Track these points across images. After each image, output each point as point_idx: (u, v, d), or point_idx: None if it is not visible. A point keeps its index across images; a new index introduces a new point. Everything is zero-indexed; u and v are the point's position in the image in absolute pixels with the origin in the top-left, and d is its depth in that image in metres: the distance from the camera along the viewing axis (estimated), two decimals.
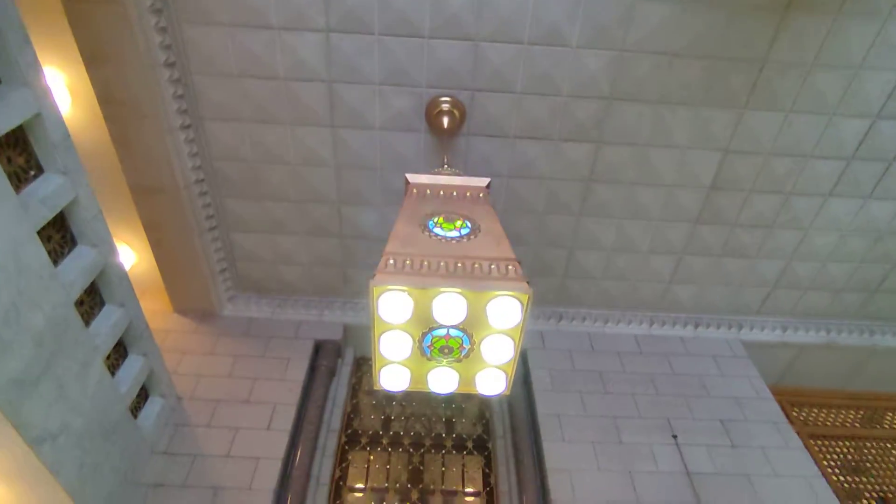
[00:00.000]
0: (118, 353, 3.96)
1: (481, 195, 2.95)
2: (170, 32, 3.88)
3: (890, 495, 5.05)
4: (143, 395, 4.29)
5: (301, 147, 4.58)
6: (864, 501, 4.98)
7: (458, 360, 2.33)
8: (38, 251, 2.89)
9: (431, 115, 4.23)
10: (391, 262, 2.21)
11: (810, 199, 4.95)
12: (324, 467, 4.55)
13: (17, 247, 2.71)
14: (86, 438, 3.40)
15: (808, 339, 5.84)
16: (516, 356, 2.34)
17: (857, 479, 5.20)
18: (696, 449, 4.56)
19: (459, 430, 5.23)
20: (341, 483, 4.65)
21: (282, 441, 4.38)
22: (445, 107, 4.16)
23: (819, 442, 5.61)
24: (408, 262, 2.21)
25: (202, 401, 4.65)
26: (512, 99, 4.27)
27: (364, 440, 5.03)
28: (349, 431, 5.09)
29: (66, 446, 3.22)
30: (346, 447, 4.94)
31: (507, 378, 2.42)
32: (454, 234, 2.44)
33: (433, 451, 4.96)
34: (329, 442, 4.74)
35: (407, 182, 3.10)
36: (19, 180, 2.90)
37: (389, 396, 5.47)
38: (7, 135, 2.78)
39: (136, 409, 4.18)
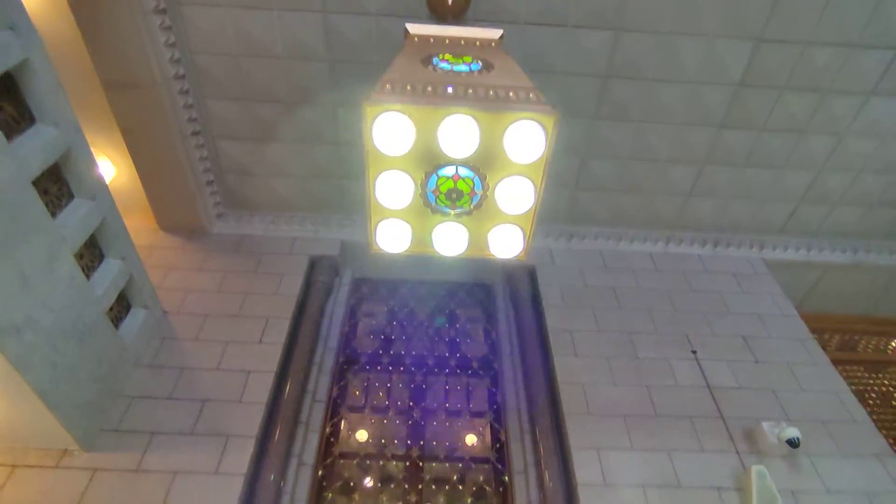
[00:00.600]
0: (93, 255, 3.62)
1: (493, 44, 2.53)
2: None
3: None
4: (124, 306, 3.98)
5: (290, 37, 4.12)
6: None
7: (468, 212, 1.97)
8: None
9: None
10: (388, 86, 1.83)
11: (850, 98, 4.51)
12: (320, 385, 4.28)
13: None
14: (57, 337, 3.09)
15: (834, 259, 5.49)
16: (536, 205, 1.98)
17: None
18: (716, 364, 4.28)
19: (464, 350, 4.95)
20: (339, 402, 4.39)
21: (275, 354, 4.09)
22: None
23: (839, 368, 5.33)
24: (409, 87, 1.82)
25: (189, 315, 4.35)
26: None
27: (363, 360, 4.75)
28: (347, 351, 4.81)
29: (34, 343, 2.92)
30: (345, 367, 4.67)
31: (524, 236, 2.06)
32: (463, 67, 2.05)
33: (436, 371, 4.68)
34: (326, 360, 4.46)
35: (406, 33, 2.67)
36: None
37: (390, 315, 5.18)
38: None
39: (117, 319, 3.88)
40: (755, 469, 3.45)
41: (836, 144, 4.80)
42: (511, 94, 1.85)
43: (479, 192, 1.94)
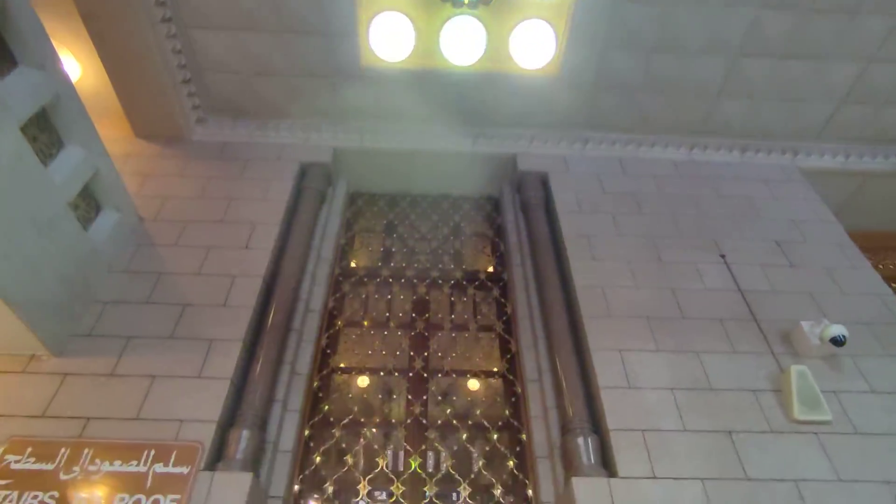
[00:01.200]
0: (51, 140, 3.21)
1: None
2: None
3: None
4: (93, 206, 3.59)
5: None
6: None
7: (486, 2, 1.53)
8: None
9: None
10: None
11: None
12: (314, 295, 3.92)
13: None
14: (7, 224, 2.71)
15: (876, 167, 5.02)
16: None
17: None
18: (748, 268, 3.90)
19: (470, 261, 4.58)
20: (335, 314, 4.05)
21: (262, 259, 3.73)
22: None
23: None
24: None
25: (168, 222, 3.97)
26: None
27: (361, 273, 4.38)
28: (344, 263, 4.44)
29: None
30: (341, 279, 4.31)
31: (555, 35, 1.61)
32: None
33: (440, 283, 4.32)
34: (320, 270, 4.10)
35: None
36: None
37: (390, 227, 4.79)
38: None
39: (86, 219, 3.49)
40: (795, 369, 3.11)
41: (892, 27, 4.25)
42: None
43: None
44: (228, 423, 2.95)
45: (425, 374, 3.68)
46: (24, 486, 2.55)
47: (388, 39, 1.48)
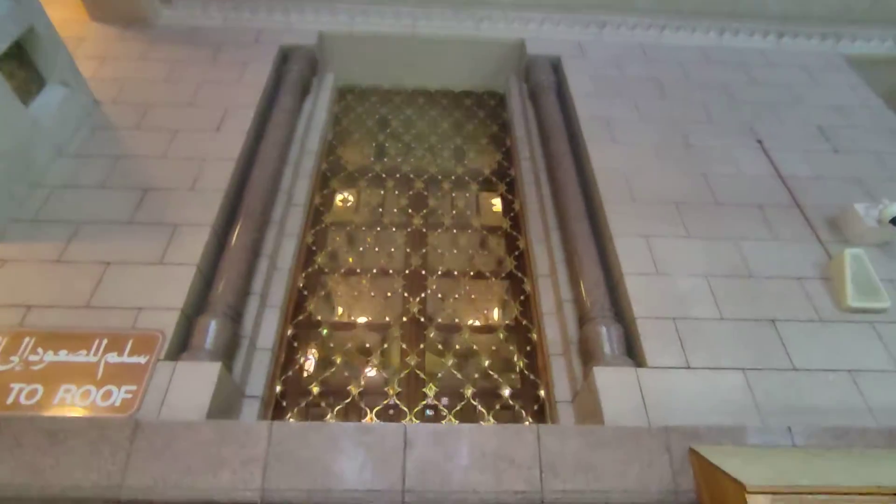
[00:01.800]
0: None
1: None
2: None
3: None
4: (35, 80, 3.08)
5: None
6: None
7: None
8: None
9: None
10: None
11: None
12: (298, 188, 3.48)
13: None
14: None
15: None
16: None
17: None
18: (788, 154, 3.44)
19: (472, 157, 4.11)
20: (322, 211, 3.61)
21: (236, 142, 3.26)
22: None
23: None
24: None
25: (128, 104, 3.47)
26: None
27: (351, 168, 3.92)
28: (331, 159, 3.97)
29: None
30: (329, 174, 3.85)
31: None
32: None
33: (440, 179, 3.86)
34: (304, 162, 3.63)
35: None
36: None
37: (383, 122, 4.29)
38: None
39: (25, 93, 2.99)
40: (850, 252, 2.70)
41: None
42: None
43: None
44: (195, 312, 2.55)
45: (423, 272, 3.28)
46: None
47: None
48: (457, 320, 3.10)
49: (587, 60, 4.07)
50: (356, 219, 3.65)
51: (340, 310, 3.25)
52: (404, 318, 3.05)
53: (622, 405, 2.23)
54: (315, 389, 2.75)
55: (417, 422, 2.62)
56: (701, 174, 3.25)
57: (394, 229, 3.53)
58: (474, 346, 3.01)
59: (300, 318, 3.02)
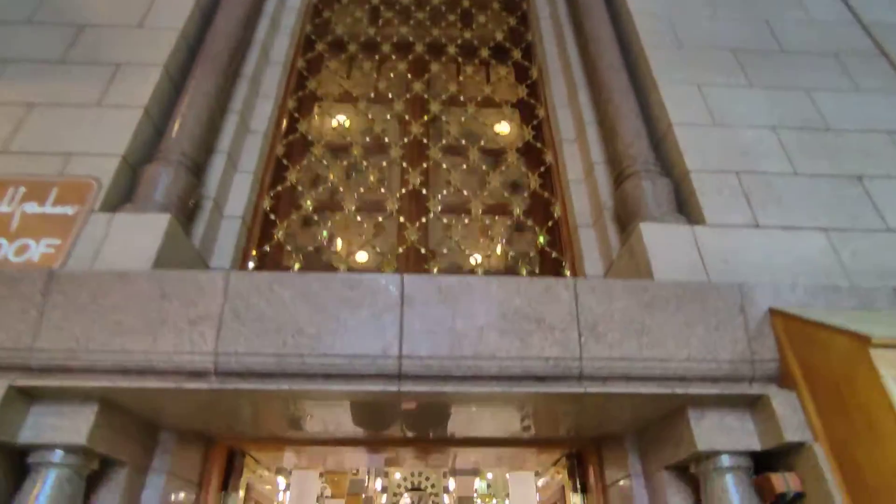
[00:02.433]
0: None
1: None
2: None
3: None
4: None
5: None
6: None
7: None
8: None
9: None
10: None
11: None
12: (277, 46, 2.93)
13: None
14: None
15: None
16: None
17: None
18: None
19: (482, 23, 3.49)
20: (306, 75, 3.05)
21: None
22: None
23: None
24: None
25: None
26: None
27: (339, 34, 3.31)
28: (317, 21, 3.36)
29: None
30: (314, 38, 3.25)
31: None
32: None
33: (446, 48, 3.26)
34: (283, 16, 3.07)
35: None
36: None
37: None
38: None
39: None
40: None
41: None
42: None
43: None
44: (142, 162, 2.06)
45: (426, 96, 2.76)
46: None
47: None
48: (465, 192, 2.60)
49: None
50: (346, 85, 3.09)
51: (324, 187, 2.76)
52: (403, 190, 2.56)
53: (676, 266, 1.76)
54: (297, 266, 2.30)
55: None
56: (763, 20, 2.67)
57: (390, 96, 2.97)
58: (486, 222, 2.53)
59: (279, 188, 2.53)
